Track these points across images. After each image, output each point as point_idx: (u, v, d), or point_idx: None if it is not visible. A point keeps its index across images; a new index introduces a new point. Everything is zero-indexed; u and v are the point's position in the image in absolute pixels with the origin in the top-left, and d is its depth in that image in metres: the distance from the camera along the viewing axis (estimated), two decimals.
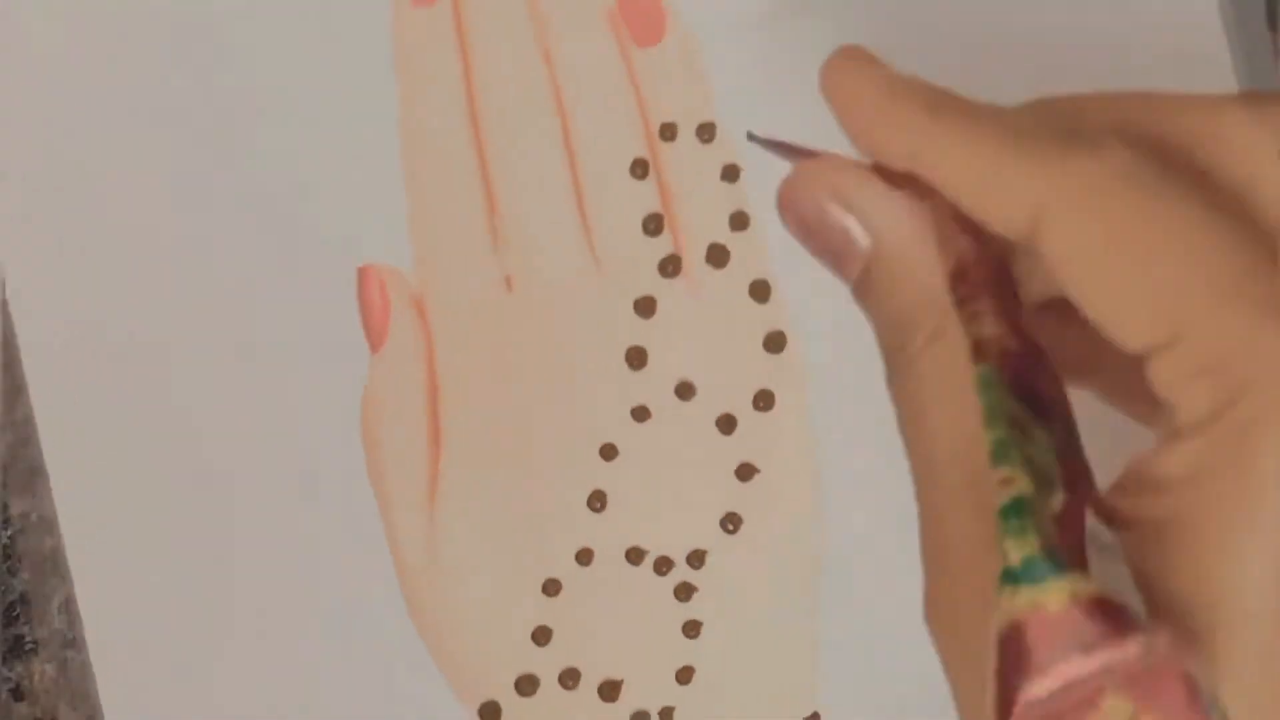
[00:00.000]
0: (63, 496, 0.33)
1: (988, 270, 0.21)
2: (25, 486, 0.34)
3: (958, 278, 0.21)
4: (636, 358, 0.33)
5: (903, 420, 0.21)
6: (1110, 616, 0.17)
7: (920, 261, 0.21)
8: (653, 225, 0.33)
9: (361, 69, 0.34)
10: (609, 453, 0.33)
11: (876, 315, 0.22)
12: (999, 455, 0.19)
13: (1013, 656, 0.18)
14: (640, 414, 0.33)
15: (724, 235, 0.33)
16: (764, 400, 0.32)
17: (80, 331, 0.34)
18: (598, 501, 0.33)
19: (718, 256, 0.33)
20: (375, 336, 0.33)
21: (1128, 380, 0.20)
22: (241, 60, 0.34)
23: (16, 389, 0.34)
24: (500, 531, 0.33)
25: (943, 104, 0.21)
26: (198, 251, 0.34)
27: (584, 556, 0.32)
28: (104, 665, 0.33)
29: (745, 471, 0.32)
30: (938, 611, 0.20)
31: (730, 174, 0.33)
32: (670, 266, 0.33)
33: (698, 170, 0.33)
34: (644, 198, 0.33)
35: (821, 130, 0.23)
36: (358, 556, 0.33)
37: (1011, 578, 0.18)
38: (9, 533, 0.34)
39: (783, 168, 0.31)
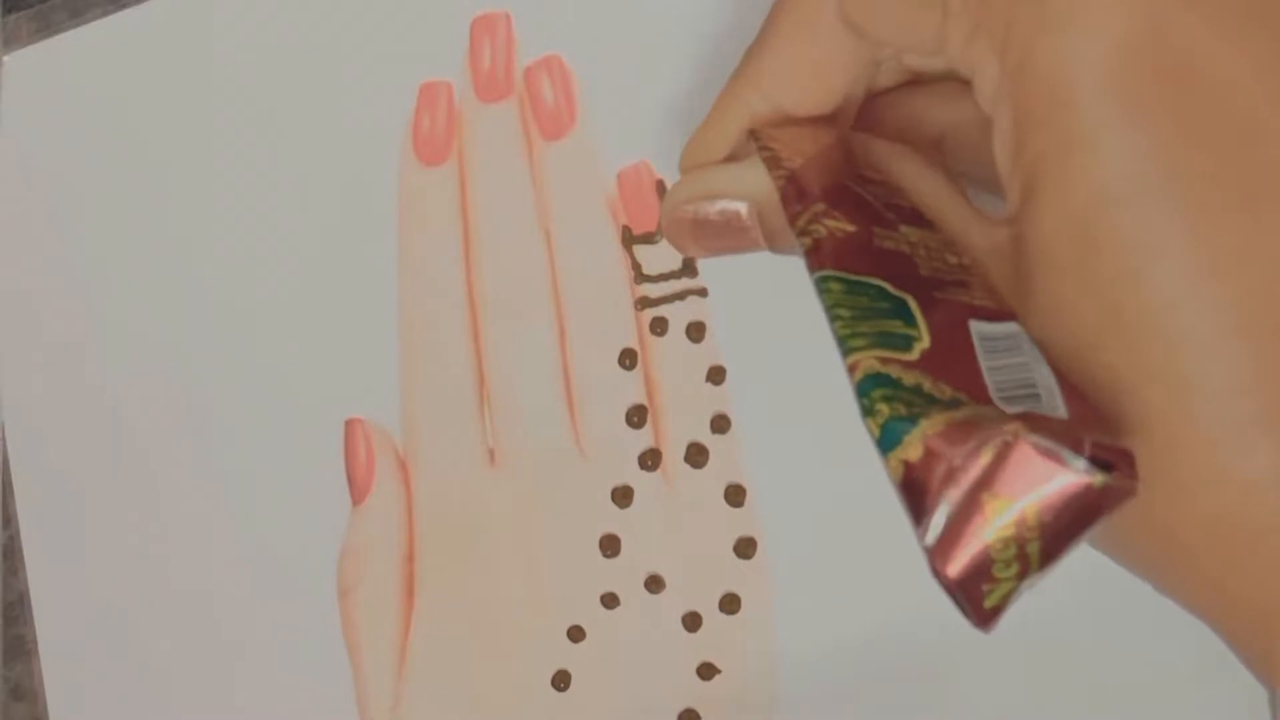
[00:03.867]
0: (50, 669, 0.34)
1: (822, 167, 0.24)
2: None
3: (792, 193, 0.23)
4: (610, 545, 0.33)
5: None
6: (963, 436, 0.18)
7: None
8: (636, 417, 0.33)
9: (366, 226, 0.34)
10: (576, 635, 0.33)
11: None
12: (842, 349, 0.20)
13: (912, 510, 0.19)
14: (609, 600, 0.33)
15: (704, 436, 0.33)
16: (730, 603, 0.32)
17: (71, 461, 0.35)
18: (562, 682, 0.33)
19: (696, 456, 0.33)
20: (358, 490, 0.34)
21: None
22: (249, 207, 0.35)
23: None
24: (465, 700, 0.33)
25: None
26: (188, 392, 0.35)
27: None
28: None
29: (706, 671, 0.32)
30: None
31: (716, 376, 0.33)
32: (650, 460, 0.33)
33: (685, 368, 0.33)
34: (630, 389, 0.33)
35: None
36: (325, 709, 0.34)
37: (880, 448, 0.19)
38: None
39: (769, 381, 0.31)
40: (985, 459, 0.18)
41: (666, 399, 0.33)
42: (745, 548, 0.32)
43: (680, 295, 0.33)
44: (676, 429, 0.33)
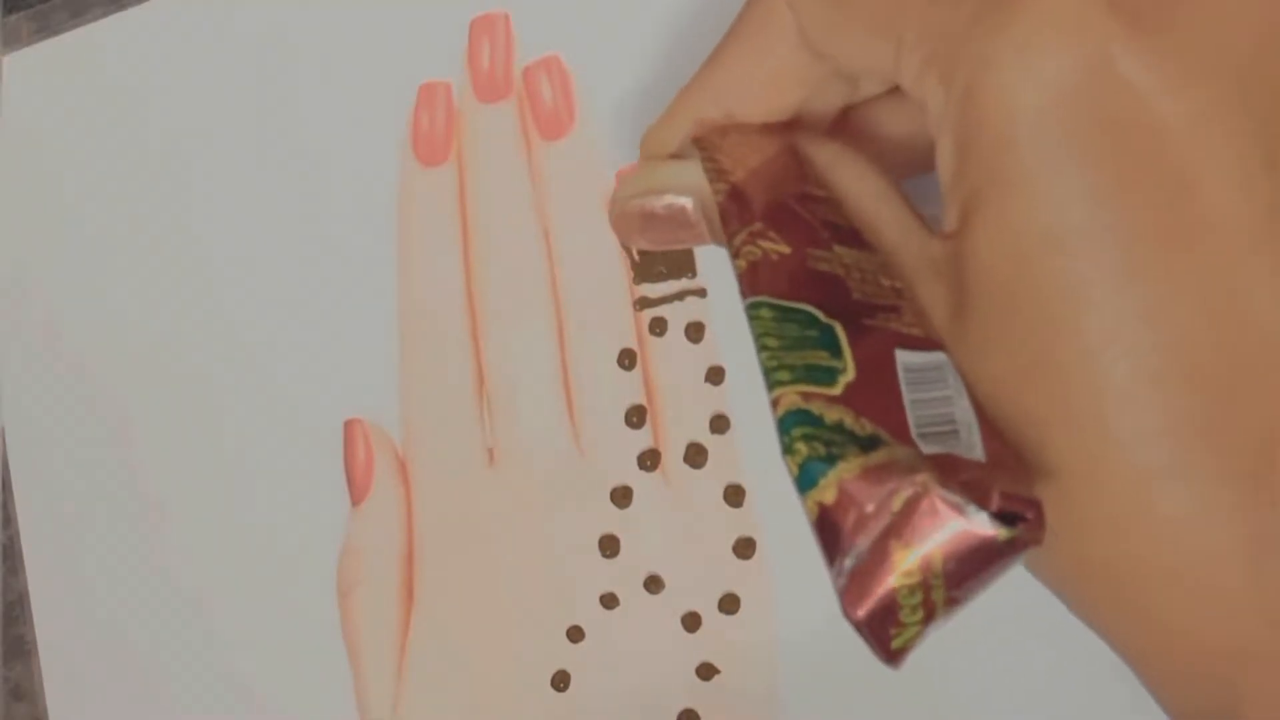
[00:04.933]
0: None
1: (763, 181, 0.24)
2: None
3: (732, 210, 0.23)
4: (609, 545, 0.33)
5: None
6: (876, 482, 0.19)
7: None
8: (635, 418, 0.33)
9: (366, 226, 0.34)
10: (576, 635, 0.33)
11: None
12: (767, 381, 0.21)
13: (826, 551, 0.19)
14: (609, 601, 0.33)
15: (704, 436, 0.33)
16: (730, 603, 0.32)
17: (71, 461, 0.35)
18: (562, 682, 0.33)
19: (695, 456, 0.33)
20: (357, 490, 0.34)
21: None
22: (249, 208, 0.35)
23: None
24: (465, 700, 0.33)
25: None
26: (188, 392, 0.35)
27: None
28: None
29: (706, 671, 0.32)
30: None
31: (715, 376, 0.33)
32: (649, 460, 0.33)
33: (684, 368, 0.33)
34: (629, 389, 0.33)
35: None
36: (325, 709, 0.34)
37: (798, 487, 0.20)
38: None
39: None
40: (895, 506, 0.19)
41: (666, 399, 0.33)
42: (745, 548, 0.32)
43: (679, 295, 0.33)
44: (676, 429, 0.33)
